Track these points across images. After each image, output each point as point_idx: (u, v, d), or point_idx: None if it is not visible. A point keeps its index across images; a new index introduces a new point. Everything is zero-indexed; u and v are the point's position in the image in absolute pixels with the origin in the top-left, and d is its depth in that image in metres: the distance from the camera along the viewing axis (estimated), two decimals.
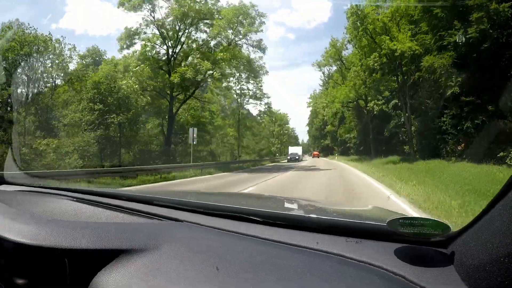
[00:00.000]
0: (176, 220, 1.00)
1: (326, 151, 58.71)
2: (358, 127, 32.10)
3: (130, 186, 8.36)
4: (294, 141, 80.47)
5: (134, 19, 33.46)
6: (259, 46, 21.09)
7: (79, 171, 10.68)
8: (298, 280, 0.59)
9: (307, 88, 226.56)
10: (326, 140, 57.51)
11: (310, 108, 52.96)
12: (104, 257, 0.70)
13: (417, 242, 0.69)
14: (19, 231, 0.77)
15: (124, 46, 19.01)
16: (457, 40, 13.29)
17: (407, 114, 19.11)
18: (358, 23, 19.40)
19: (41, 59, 17.56)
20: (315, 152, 59.99)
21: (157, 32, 19.13)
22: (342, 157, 35.79)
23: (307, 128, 78.38)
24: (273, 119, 58.90)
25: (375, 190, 7.59)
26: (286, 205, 1.54)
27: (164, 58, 19.88)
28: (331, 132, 49.76)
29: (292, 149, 42.93)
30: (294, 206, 1.49)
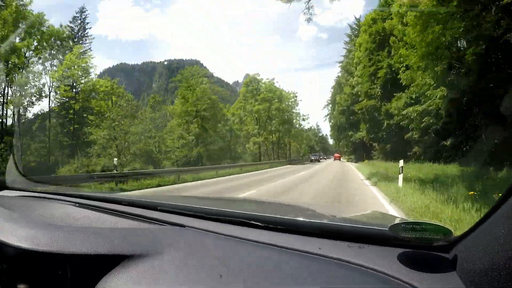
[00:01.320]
0: (179, 225, 0.99)
1: (359, 152, 32.07)
2: (449, 79, 10.71)
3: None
4: (315, 140, 60.60)
5: None
6: None
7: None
8: (300, 285, 0.59)
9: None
10: (359, 131, 30.24)
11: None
12: (107, 263, 0.69)
13: (419, 246, 0.69)
14: (20, 236, 0.77)
15: None
16: None
17: None
18: None
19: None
20: (337, 154, 44.95)
21: None
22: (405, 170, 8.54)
23: (327, 111, 49.49)
24: (255, 89, 32.15)
25: None
26: (288, 210, 1.53)
27: None
28: (367, 111, 24.03)
29: None
30: (296, 211, 1.47)
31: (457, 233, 0.66)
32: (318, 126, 73.02)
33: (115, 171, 11.24)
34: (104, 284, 0.66)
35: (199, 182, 11.65)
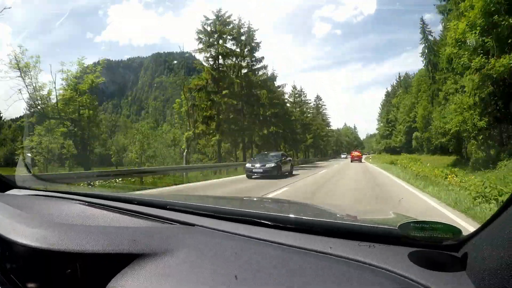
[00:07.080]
0: (189, 224, 0.99)
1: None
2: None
3: None
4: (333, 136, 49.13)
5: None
6: None
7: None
8: (312, 285, 0.59)
9: (355, 89, 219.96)
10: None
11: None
12: (117, 262, 0.69)
13: (429, 246, 0.69)
14: (30, 235, 0.77)
15: None
16: None
17: None
18: None
19: None
20: (356, 152, 33.77)
21: None
22: None
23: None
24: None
25: None
26: (299, 209, 1.52)
27: None
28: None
29: None
30: (307, 210, 1.46)
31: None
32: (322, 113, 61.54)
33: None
34: (114, 283, 0.66)
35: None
